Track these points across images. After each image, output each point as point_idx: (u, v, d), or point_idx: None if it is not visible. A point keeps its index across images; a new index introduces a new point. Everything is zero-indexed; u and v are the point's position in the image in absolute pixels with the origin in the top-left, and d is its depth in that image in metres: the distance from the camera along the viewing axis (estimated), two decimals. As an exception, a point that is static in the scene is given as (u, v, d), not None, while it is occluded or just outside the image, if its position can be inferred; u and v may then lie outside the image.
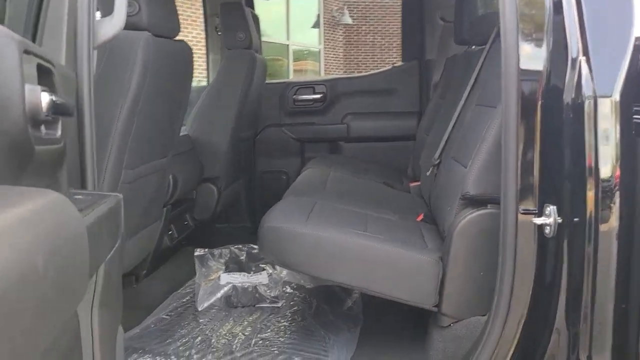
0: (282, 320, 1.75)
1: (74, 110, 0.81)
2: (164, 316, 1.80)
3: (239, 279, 1.96)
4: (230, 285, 1.88)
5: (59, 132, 0.82)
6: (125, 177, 1.53)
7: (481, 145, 1.37)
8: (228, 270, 2.05)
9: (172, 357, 1.51)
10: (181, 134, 2.42)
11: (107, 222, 0.85)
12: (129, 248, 1.77)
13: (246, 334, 1.65)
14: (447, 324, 1.40)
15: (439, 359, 1.40)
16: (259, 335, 1.64)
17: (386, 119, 2.98)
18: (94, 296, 0.85)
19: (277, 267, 1.99)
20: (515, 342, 1.21)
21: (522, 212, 1.16)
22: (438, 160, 1.84)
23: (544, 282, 1.17)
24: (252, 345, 1.59)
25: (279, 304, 1.88)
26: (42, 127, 0.75)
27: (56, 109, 0.74)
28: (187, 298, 1.93)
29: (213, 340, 1.62)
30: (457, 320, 1.39)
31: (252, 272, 2.01)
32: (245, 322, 1.74)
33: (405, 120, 2.92)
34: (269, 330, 1.68)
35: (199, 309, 1.83)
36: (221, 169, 2.45)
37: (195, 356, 1.52)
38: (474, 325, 1.35)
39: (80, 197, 0.90)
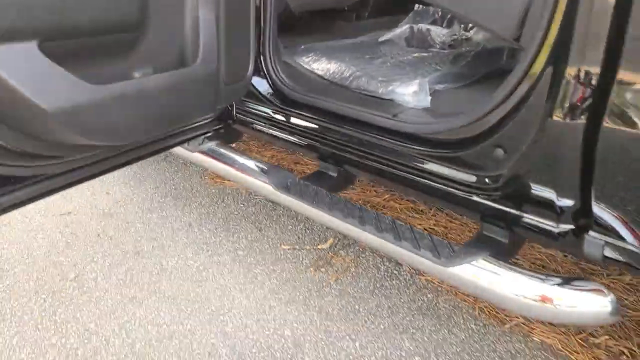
0: (423, 63, 2.00)
1: None
2: (350, 41, 2.26)
3: (429, 28, 2.22)
4: (408, 25, 2.18)
5: None
6: None
7: None
8: (433, 23, 2.32)
9: (325, 61, 1.99)
10: None
11: None
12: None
13: (385, 62, 1.99)
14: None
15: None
16: (388, 66, 1.96)
17: None
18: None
19: (469, 26, 2.16)
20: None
21: None
22: None
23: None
24: (376, 64, 1.94)
25: (446, 51, 2.10)
26: None
27: None
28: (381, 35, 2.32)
29: (360, 64, 2.01)
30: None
31: (446, 27, 2.23)
32: (398, 58, 2.06)
33: None
34: (398, 65, 1.97)
35: (379, 40, 2.22)
36: None
37: (339, 65, 1.97)
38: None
39: None
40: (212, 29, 1.41)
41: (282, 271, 2.04)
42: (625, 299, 1.89)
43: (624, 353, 1.66)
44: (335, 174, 1.90)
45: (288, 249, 2.18)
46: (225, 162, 1.95)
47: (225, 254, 2.14)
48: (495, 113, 1.35)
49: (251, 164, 1.90)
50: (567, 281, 1.32)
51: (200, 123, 1.73)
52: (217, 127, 1.85)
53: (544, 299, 1.32)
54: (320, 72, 1.98)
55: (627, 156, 1.09)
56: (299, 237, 2.26)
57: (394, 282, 2.00)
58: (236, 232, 2.29)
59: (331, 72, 1.95)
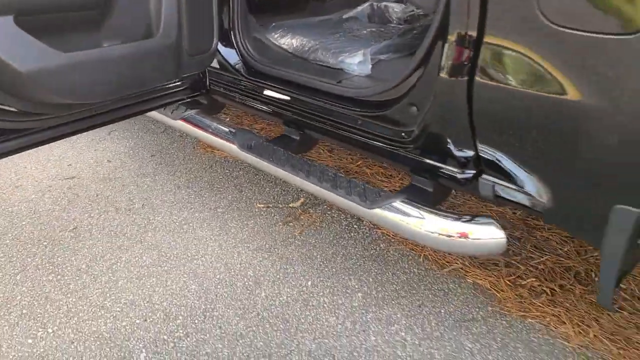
0: (376, 37, 2.20)
1: None
2: (318, 19, 2.47)
3: (387, 5, 2.42)
4: (369, 3, 2.38)
5: None
6: None
7: None
8: (399, 1, 2.51)
9: (290, 36, 2.22)
10: None
11: None
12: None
13: (343, 36, 2.21)
14: None
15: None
16: (344, 40, 2.17)
17: None
18: None
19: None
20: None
21: None
22: None
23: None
24: (333, 38, 2.16)
25: (401, 26, 2.30)
26: None
27: None
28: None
29: (320, 38, 2.23)
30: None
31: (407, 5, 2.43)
32: (356, 33, 2.27)
33: None
34: (353, 39, 2.18)
35: (343, 17, 2.43)
36: None
37: (302, 40, 2.19)
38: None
39: None
40: (173, 6, 1.65)
41: (254, 225, 2.30)
42: (560, 249, 2.09)
43: (545, 292, 1.87)
44: (298, 137, 2.13)
45: (263, 207, 2.43)
46: (201, 128, 2.21)
47: (206, 211, 2.40)
48: (411, 76, 1.56)
49: (222, 128, 2.15)
50: (472, 218, 1.54)
51: (173, 91, 1.99)
52: (191, 95, 2.10)
53: (458, 235, 1.53)
54: (285, 47, 2.20)
55: (498, 106, 1.30)
56: (274, 198, 2.51)
57: (352, 234, 2.24)
58: (219, 193, 2.55)
59: (294, 46, 2.17)
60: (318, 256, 2.09)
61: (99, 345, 1.66)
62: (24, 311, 1.80)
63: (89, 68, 1.40)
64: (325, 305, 1.84)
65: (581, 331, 1.70)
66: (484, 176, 1.46)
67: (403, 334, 1.71)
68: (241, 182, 2.66)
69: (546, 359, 1.62)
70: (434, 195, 1.71)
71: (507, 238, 1.47)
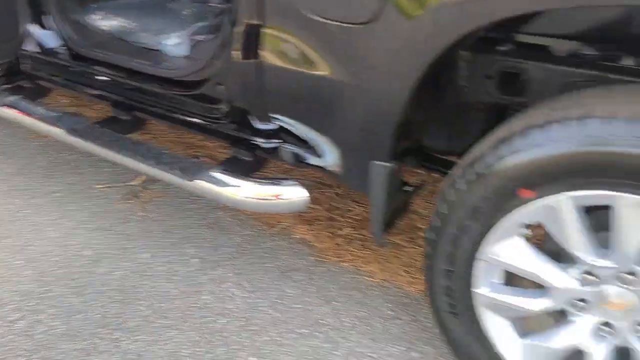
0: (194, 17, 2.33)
1: None
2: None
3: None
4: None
5: None
6: None
7: None
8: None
9: (111, 18, 2.26)
10: None
11: None
12: None
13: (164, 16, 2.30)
14: None
15: None
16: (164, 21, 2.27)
17: None
18: None
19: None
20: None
21: None
22: None
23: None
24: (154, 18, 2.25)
25: (224, 7, 2.43)
26: None
27: None
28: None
29: (141, 19, 2.28)
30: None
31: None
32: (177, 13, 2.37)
33: None
34: (174, 19, 2.29)
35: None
36: None
37: (122, 21, 2.24)
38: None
39: None
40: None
41: (93, 206, 2.34)
42: (374, 201, 2.40)
43: (357, 238, 2.17)
44: (126, 118, 2.19)
45: (102, 188, 2.47)
46: (25, 113, 2.19)
47: (41, 197, 2.39)
48: (215, 57, 1.71)
49: (48, 112, 2.16)
50: (281, 181, 1.75)
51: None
52: (5, 82, 2.08)
53: (273, 197, 1.74)
54: (105, 28, 2.23)
55: (280, 83, 1.50)
56: (113, 177, 2.56)
57: (191, 206, 2.38)
58: (55, 177, 2.54)
59: (115, 27, 2.21)
60: (157, 229, 2.21)
61: None
62: None
63: None
64: (162, 273, 1.98)
65: (383, 268, 2.02)
66: (284, 145, 1.67)
67: (233, 289, 1.91)
68: (79, 164, 2.66)
69: (354, 293, 1.91)
70: (252, 165, 1.91)
71: (311, 196, 1.71)
